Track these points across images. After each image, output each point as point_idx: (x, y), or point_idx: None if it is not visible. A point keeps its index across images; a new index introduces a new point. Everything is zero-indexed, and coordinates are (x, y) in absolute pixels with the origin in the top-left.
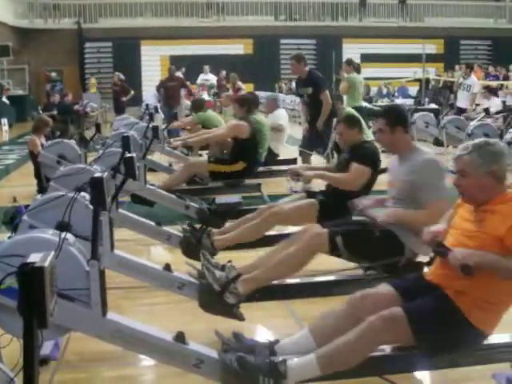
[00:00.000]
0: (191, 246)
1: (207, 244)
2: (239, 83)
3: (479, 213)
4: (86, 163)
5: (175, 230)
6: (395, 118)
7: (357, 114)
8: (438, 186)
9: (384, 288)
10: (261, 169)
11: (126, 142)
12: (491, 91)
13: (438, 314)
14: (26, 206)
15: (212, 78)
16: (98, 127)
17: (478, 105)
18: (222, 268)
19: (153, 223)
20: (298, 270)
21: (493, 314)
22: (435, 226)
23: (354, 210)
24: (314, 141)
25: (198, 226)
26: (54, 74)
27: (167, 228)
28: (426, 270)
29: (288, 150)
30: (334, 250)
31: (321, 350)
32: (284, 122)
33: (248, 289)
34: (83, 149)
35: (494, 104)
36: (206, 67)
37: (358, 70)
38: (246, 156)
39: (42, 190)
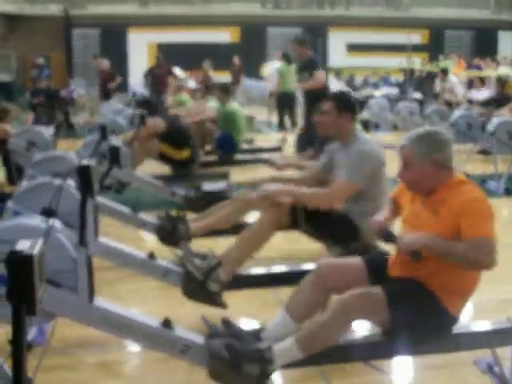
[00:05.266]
0: (167, 233)
1: (183, 230)
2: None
3: (429, 204)
4: (56, 149)
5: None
6: (344, 104)
7: None
8: (357, 169)
9: (353, 259)
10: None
11: (103, 131)
12: (482, 82)
13: (414, 298)
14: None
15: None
16: (66, 115)
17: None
18: (204, 257)
19: (128, 210)
20: (267, 241)
21: (460, 298)
22: (378, 215)
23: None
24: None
25: (173, 213)
26: (41, 60)
27: (143, 215)
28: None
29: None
30: (294, 223)
31: (299, 332)
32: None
33: (229, 274)
34: (55, 135)
35: (482, 95)
36: (279, 53)
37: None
38: (189, 144)
39: (12, 177)
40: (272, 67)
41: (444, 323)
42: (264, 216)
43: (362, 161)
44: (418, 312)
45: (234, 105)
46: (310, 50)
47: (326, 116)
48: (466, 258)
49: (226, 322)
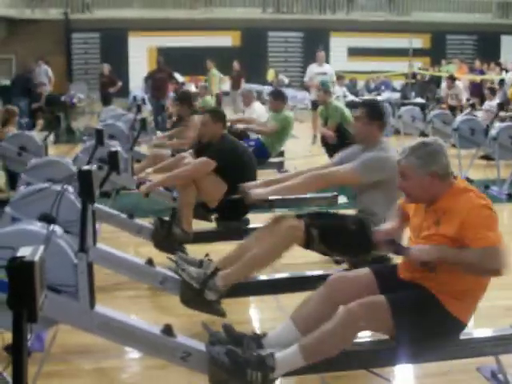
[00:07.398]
0: (162, 239)
1: (178, 232)
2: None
3: (432, 213)
4: (47, 155)
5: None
6: (375, 112)
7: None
8: (367, 167)
9: (363, 271)
10: None
11: (99, 136)
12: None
13: (419, 305)
14: None
15: (330, 71)
16: (58, 120)
17: (468, 100)
18: (200, 264)
19: (124, 216)
20: (273, 263)
21: (468, 303)
22: (384, 224)
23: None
24: None
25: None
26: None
27: (139, 220)
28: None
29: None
30: (309, 244)
31: (303, 340)
32: (258, 116)
33: (226, 285)
34: (44, 141)
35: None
36: (322, 54)
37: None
38: None
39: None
40: (310, 71)
41: (451, 329)
42: (278, 237)
43: (375, 163)
44: (423, 318)
45: None
46: None
47: (357, 122)
48: (479, 266)
49: (228, 328)
